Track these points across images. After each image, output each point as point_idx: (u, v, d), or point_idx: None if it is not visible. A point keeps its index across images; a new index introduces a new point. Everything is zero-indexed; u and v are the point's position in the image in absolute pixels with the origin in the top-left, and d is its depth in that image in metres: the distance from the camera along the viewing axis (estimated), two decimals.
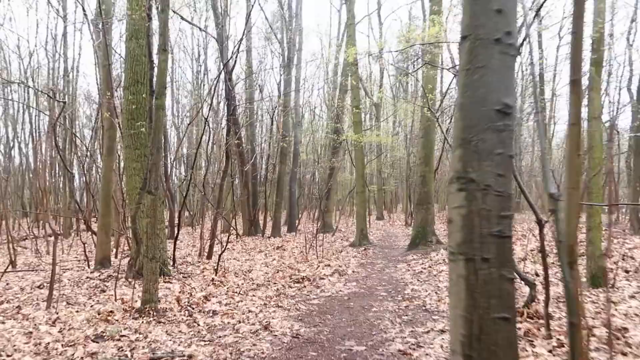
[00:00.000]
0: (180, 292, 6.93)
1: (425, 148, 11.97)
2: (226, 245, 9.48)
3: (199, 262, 10.62)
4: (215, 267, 8.48)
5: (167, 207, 21.16)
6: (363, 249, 12.61)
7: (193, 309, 6.02)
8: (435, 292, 6.63)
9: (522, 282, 5.37)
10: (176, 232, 10.43)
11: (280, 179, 18.65)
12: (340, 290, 7.18)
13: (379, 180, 30.90)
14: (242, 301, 6.37)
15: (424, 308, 5.85)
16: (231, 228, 19.44)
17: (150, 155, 6.03)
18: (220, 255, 8.72)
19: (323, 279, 8.08)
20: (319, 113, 34.82)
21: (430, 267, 9.03)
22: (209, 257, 11.19)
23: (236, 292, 6.90)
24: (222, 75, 12.26)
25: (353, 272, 9.02)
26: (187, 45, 34.31)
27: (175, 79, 26.42)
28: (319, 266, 9.49)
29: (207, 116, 11.64)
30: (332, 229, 18.51)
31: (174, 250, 9.43)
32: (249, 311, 5.81)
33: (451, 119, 15.62)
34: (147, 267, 5.78)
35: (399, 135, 39.68)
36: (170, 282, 7.74)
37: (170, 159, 25.40)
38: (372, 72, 40.69)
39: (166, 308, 5.94)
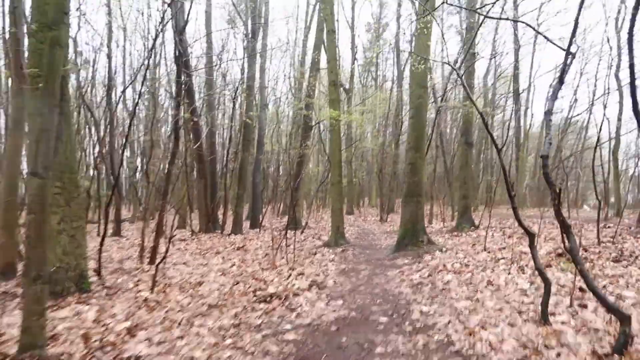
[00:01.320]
0: (94, 321, 4.84)
1: (416, 130, 10.22)
2: (167, 249, 7.35)
3: (138, 269, 8.48)
4: (153, 280, 6.37)
5: (112, 202, 18.69)
6: (340, 249, 10.76)
7: (107, 352, 3.98)
8: (457, 318, 4.83)
9: (610, 312, 3.63)
10: (103, 231, 8.19)
11: (243, 169, 16.54)
12: (323, 315, 5.28)
13: (349, 171, 29.19)
14: (183, 337, 4.36)
15: (452, 348, 4.02)
16: (186, 224, 17.22)
17: (39, 117, 3.92)
18: (158, 264, 6.59)
19: (298, 295, 6.15)
20: (285, 101, 32.75)
21: (430, 275, 7.26)
22: (152, 261, 9.04)
23: (177, 321, 4.87)
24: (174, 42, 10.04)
25: (334, 283, 7.14)
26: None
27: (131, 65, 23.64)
28: (290, 275, 7.55)
29: (145, 79, 9.32)
30: (301, 225, 16.59)
31: (100, 257, 7.24)
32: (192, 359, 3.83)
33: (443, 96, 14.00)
34: (27, 293, 3.70)
35: (367, 126, 38.21)
36: (87, 303, 5.61)
37: (120, 143, 22.79)
38: (340, 57, 38.78)
39: (62, 354, 3.88)
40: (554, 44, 4.58)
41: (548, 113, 4.33)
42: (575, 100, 31.94)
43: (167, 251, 7.16)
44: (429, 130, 12.12)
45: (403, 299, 5.96)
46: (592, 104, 30.03)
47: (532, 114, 34.13)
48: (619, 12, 20.58)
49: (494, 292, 5.77)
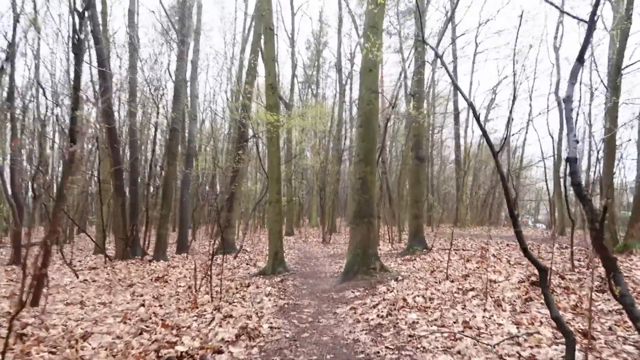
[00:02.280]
0: None
1: (366, 140, 8.99)
2: (44, 285, 5.50)
3: (8, 313, 6.46)
4: (6, 338, 4.48)
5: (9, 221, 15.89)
6: (279, 279, 9.20)
7: None
8: None
9: None
10: None
11: (167, 185, 14.59)
12: None
13: (289, 190, 27.73)
14: None
15: None
16: (105, 249, 14.88)
17: None
18: (14, 315, 4.70)
19: (221, 352, 4.55)
20: (221, 117, 30.93)
21: (390, 314, 5.92)
22: (34, 302, 7.03)
23: None
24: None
25: (271, 328, 5.59)
26: None
27: None
28: (214, 318, 5.91)
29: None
30: (234, 249, 14.84)
31: None
32: None
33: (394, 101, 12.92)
34: None
35: (306, 144, 37.13)
36: None
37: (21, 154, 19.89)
38: (280, 74, 37.81)
39: None
40: (574, 17, 3.47)
41: (568, 101, 3.15)
42: (512, 119, 32.78)
43: (44, 284, 5.27)
44: (379, 141, 10.96)
45: (361, 352, 4.53)
46: (529, 121, 30.91)
47: (473, 132, 34.45)
48: (557, 29, 20.97)
49: (476, 340, 4.49)
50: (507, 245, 12.90)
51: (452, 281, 7.73)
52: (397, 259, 11.21)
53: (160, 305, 7.07)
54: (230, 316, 5.99)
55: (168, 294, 8.13)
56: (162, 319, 5.97)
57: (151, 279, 10.44)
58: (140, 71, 16.51)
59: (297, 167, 33.93)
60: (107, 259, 13.97)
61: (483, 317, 5.49)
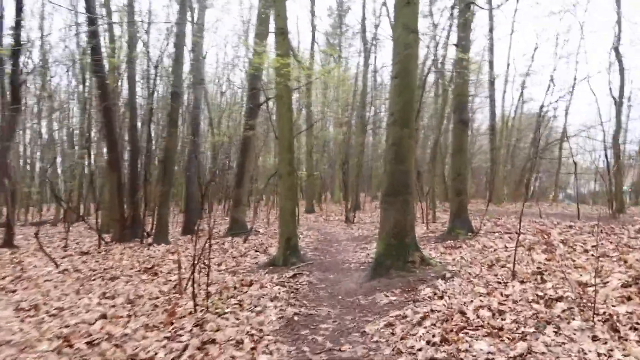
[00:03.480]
0: None
1: (403, 94, 6.93)
2: None
3: None
4: None
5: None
6: (291, 273, 7.35)
7: None
8: None
9: None
10: None
11: (169, 157, 12.85)
12: None
13: (309, 163, 25.85)
14: None
15: None
16: (97, 231, 13.32)
17: None
18: None
19: None
20: (238, 89, 28.90)
21: (445, 338, 4.02)
22: None
23: None
24: None
25: None
26: None
27: None
28: (187, 346, 4.11)
29: None
30: (244, 230, 13.10)
31: None
32: None
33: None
34: None
35: (327, 114, 35.01)
36: None
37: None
38: (299, 42, 35.65)
39: None
40: None
41: None
42: (553, 84, 29.86)
43: None
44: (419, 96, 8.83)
45: None
46: (573, 87, 27.96)
47: (512, 98, 31.55)
48: None
49: None
50: (570, 227, 10.76)
51: (523, 282, 5.74)
52: (437, 246, 9.23)
53: (128, 317, 5.32)
54: (213, 341, 4.19)
55: (149, 295, 6.40)
56: (116, 345, 4.21)
57: (141, 270, 8.79)
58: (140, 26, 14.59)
59: (319, 139, 31.96)
60: (101, 242, 12.43)
61: (597, 353, 3.55)
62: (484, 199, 28.15)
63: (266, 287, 6.45)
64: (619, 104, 17.68)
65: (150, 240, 12.58)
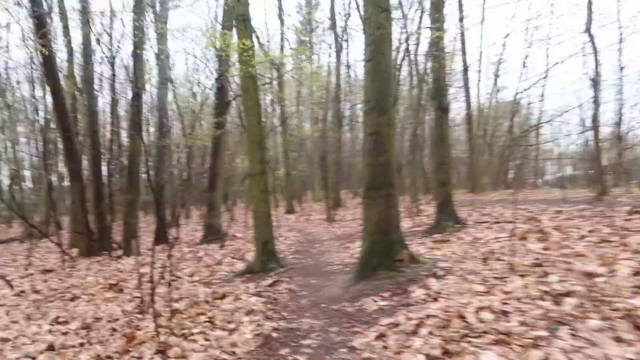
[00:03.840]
0: None
1: (378, 79, 6.37)
2: None
3: None
4: None
5: None
6: (270, 281, 6.72)
7: None
8: None
9: None
10: None
11: (133, 163, 12.06)
12: None
13: (287, 162, 25.22)
14: None
15: None
16: (59, 247, 12.41)
17: None
18: None
19: None
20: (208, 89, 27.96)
21: (446, 350, 3.48)
22: None
23: None
24: None
25: None
26: None
27: None
28: None
29: None
30: (219, 236, 12.40)
31: None
32: None
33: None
34: None
35: (302, 110, 34.39)
36: None
37: None
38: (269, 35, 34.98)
39: None
40: None
41: None
42: (526, 70, 29.86)
43: None
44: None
45: None
46: (547, 71, 27.94)
47: (488, 87, 31.40)
48: None
49: None
50: (559, 212, 10.39)
51: (523, 276, 5.24)
52: (425, 240, 8.72)
53: (82, 344, 4.63)
54: None
55: (109, 316, 5.70)
56: None
57: (103, 287, 8.03)
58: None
59: (294, 137, 31.33)
60: (65, 259, 11.57)
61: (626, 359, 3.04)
62: (465, 189, 27.94)
63: (241, 299, 5.81)
64: (596, 84, 17.49)
65: (118, 253, 11.78)
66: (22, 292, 8.45)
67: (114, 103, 12.91)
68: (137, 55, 12.40)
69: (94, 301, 7.05)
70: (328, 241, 11.33)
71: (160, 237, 13.61)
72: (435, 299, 4.84)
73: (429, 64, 11.66)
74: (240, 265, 8.59)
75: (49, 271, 11.00)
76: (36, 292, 8.44)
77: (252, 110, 7.67)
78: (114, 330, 4.98)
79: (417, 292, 5.19)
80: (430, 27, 9.54)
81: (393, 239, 6.25)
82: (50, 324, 5.54)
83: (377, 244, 6.22)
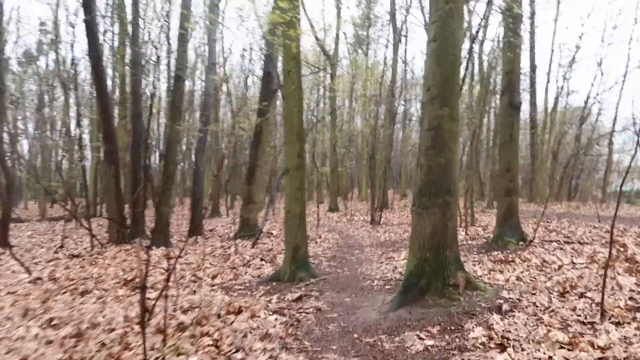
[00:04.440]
0: None
1: (443, 63, 5.27)
2: None
3: None
4: None
5: None
6: (296, 295, 5.77)
7: None
8: None
9: None
10: None
11: (170, 148, 11.48)
12: None
13: (333, 158, 24.27)
14: None
15: None
16: (90, 231, 12.05)
17: None
18: None
19: None
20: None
21: None
22: None
23: None
24: None
25: None
26: None
27: None
28: None
29: None
30: (254, 232, 11.63)
31: None
32: None
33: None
34: None
35: (356, 109, 33.32)
36: None
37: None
38: (325, 27, 34.14)
39: None
40: None
41: None
42: (602, 74, 27.39)
43: None
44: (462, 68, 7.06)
45: None
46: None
47: (558, 88, 29.05)
48: None
49: None
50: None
51: (619, 323, 4.02)
52: (483, 258, 7.48)
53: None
54: None
55: (108, 322, 4.95)
56: None
57: (119, 282, 7.40)
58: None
59: (344, 132, 30.34)
60: (93, 245, 11.21)
61: None
62: (523, 199, 25.91)
63: (259, 316, 4.90)
64: None
65: (146, 243, 11.25)
66: (39, 279, 7.99)
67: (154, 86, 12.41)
68: (182, 36, 11.80)
69: (104, 298, 6.40)
70: (369, 248, 10.28)
71: (195, 228, 13.05)
72: (501, 347, 3.72)
73: (499, 55, 10.32)
74: (268, 269, 7.71)
75: (76, 256, 10.63)
76: (53, 279, 7.96)
77: (292, 95, 6.73)
78: (103, 345, 4.20)
79: (476, 332, 4.08)
80: (504, 12, 8.22)
81: (448, 258, 5.13)
82: (42, 327, 4.86)
83: (427, 262, 5.12)
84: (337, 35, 24.54)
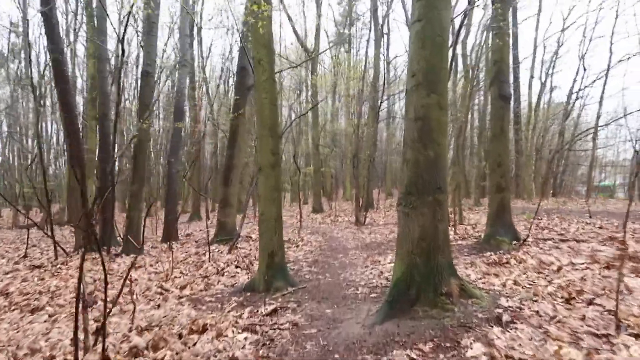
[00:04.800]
0: None
1: (428, 46, 4.73)
2: None
3: None
4: None
5: None
6: (270, 308, 5.15)
7: None
8: None
9: None
10: None
11: (140, 148, 10.79)
12: None
13: (317, 158, 23.71)
14: None
15: None
16: (52, 239, 11.26)
17: None
18: None
19: None
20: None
21: None
22: None
23: None
24: None
25: None
26: None
27: None
28: None
29: None
30: (231, 236, 10.99)
31: None
32: None
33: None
34: None
35: (339, 108, 32.85)
36: None
37: None
38: (305, 23, 33.64)
39: None
40: None
41: None
42: (584, 69, 27.30)
43: None
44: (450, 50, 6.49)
45: None
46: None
47: (542, 83, 29.00)
48: None
49: None
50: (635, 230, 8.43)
51: (638, 335, 3.51)
52: (475, 260, 6.96)
53: None
54: None
55: (51, 347, 4.29)
56: None
57: (74, 297, 6.71)
58: None
59: (328, 132, 29.82)
60: (57, 255, 10.46)
61: None
62: (513, 195, 25.61)
63: (226, 335, 4.29)
64: None
65: (115, 250, 10.55)
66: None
67: (119, 82, 11.61)
68: (149, 29, 11.12)
69: (56, 316, 5.72)
70: (354, 250, 9.72)
71: (169, 234, 12.35)
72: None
73: (483, 46, 9.82)
74: (243, 278, 7.09)
75: (38, 267, 9.86)
76: (5, 295, 7.23)
77: (263, 86, 6.13)
78: None
79: (475, 350, 3.54)
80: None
81: (439, 263, 4.58)
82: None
83: (417, 269, 4.57)
84: (317, 29, 23.95)
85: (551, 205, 20.27)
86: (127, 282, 6.99)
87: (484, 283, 5.50)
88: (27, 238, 11.96)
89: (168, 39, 22.99)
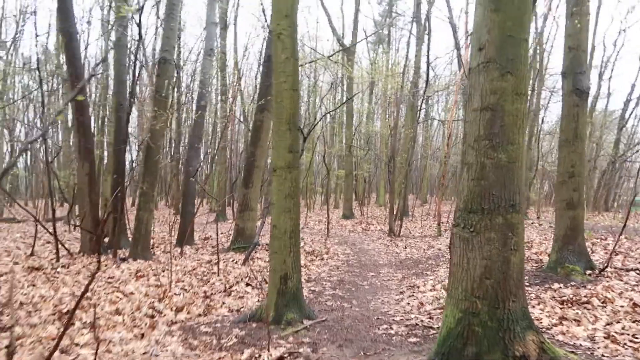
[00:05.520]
0: None
1: (503, 8, 3.41)
2: None
3: None
4: None
5: None
6: (277, 354, 3.95)
7: None
8: None
9: None
10: None
11: (153, 143, 9.82)
12: None
13: (349, 160, 22.47)
14: None
15: None
16: (55, 238, 10.43)
17: None
18: None
19: None
20: None
21: None
22: None
23: None
24: None
25: None
26: None
27: None
28: None
29: None
30: (249, 243, 9.89)
31: None
32: None
33: None
34: None
35: (375, 107, 31.51)
36: None
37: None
38: (344, 20, 32.60)
39: None
40: None
41: None
42: None
43: None
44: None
45: None
46: None
47: (600, 88, 26.93)
48: None
49: None
50: None
51: None
52: (541, 294, 5.55)
53: None
54: None
55: None
56: None
57: (56, 313, 5.71)
58: None
59: (362, 134, 28.54)
60: (59, 256, 9.61)
61: None
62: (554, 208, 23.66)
63: None
64: None
65: (122, 254, 9.63)
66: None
67: (134, 71, 10.69)
68: (169, 13, 10.21)
69: (21, 341, 4.71)
70: (387, 268, 8.42)
71: (184, 237, 11.36)
72: None
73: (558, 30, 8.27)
74: (252, 300, 5.94)
75: (36, 269, 9.02)
76: None
77: (283, 68, 4.95)
78: None
79: None
80: None
81: (512, 312, 3.28)
82: None
83: (477, 318, 3.28)
84: (355, 24, 22.73)
85: (608, 221, 18.34)
86: (93, 304, 5.99)
87: (563, 334, 4.13)
88: (35, 234, 11.21)
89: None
